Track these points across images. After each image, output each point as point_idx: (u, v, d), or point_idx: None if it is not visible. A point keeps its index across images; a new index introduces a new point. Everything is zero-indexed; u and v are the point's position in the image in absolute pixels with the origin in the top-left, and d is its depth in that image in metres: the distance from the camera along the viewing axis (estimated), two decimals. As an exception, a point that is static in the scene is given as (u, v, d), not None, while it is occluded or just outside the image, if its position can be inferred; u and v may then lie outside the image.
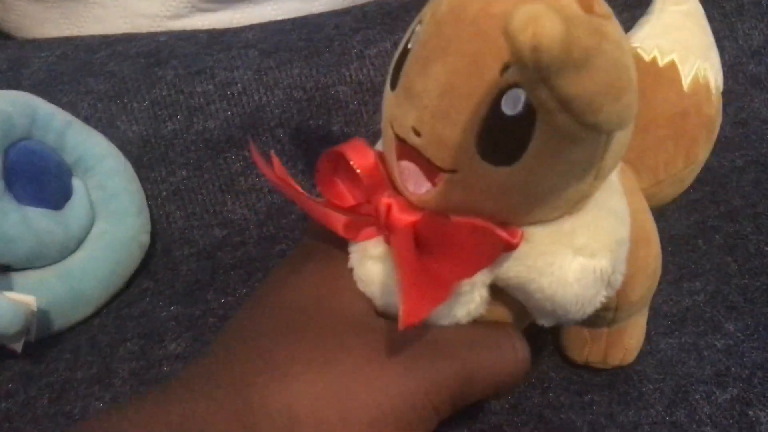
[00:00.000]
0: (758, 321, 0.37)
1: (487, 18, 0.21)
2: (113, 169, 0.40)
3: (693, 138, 0.33)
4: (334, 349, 0.24)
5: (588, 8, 0.21)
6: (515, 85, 0.21)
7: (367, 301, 0.26)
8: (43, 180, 0.37)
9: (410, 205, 0.25)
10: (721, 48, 0.48)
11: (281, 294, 0.26)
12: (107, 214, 0.39)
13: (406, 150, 0.24)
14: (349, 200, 0.27)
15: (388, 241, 0.26)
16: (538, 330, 0.33)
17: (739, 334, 0.37)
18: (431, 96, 0.22)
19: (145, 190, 0.41)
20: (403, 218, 0.25)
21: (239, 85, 0.43)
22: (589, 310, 0.26)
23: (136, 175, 0.41)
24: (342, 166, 0.26)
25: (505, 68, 0.21)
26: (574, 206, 0.25)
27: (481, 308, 0.25)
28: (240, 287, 0.39)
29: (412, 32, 0.24)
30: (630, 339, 0.33)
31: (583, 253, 0.25)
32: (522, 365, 0.26)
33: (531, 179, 0.22)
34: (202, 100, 0.43)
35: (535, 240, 0.24)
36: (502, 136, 0.22)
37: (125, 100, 0.43)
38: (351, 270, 0.27)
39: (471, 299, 0.25)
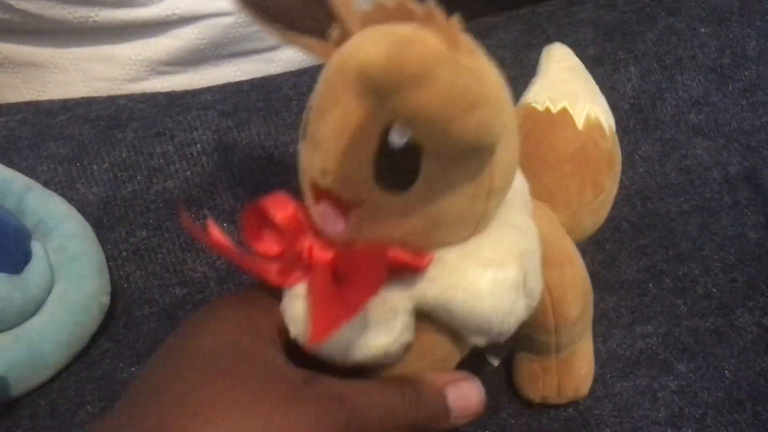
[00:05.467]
0: (708, 361, 0.38)
1: None
2: (73, 231, 0.40)
3: (596, 168, 0.36)
4: (252, 392, 0.25)
5: (453, 46, 0.23)
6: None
7: (281, 352, 0.27)
8: (3, 244, 0.37)
9: (330, 244, 0.27)
10: (662, 99, 0.51)
11: (198, 338, 0.27)
12: (67, 277, 0.39)
13: (321, 193, 0.26)
14: (277, 249, 0.28)
15: None
16: (495, 375, 0.34)
17: (691, 375, 0.37)
18: (330, 139, 0.25)
19: (105, 251, 0.41)
20: (324, 255, 0.27)
21: (198, 145, 0.44)
22: (513, 320, 0.27)
23: (95, 237, 0.41)
24: (267, 218, 0.28)
25: None
26: (476, 227, 0.27)
27: (407, 335, 0.27)
28: (201, 345, 0.39)
29: (314, 91, 0.27)
30: (580, 369, 0.35)
31: (491, 265, 0.27)
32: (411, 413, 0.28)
33: (427, 203, 0.25)
34: (161, 160, 0.43)
35: (445, 261, 0.26)
36: (394, 166, 0.24)
37: (85, 163, 0.43)
38: (271, 315, 0.28)
39: (394, 326, 0.26)
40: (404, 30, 0.23)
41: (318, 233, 0.27)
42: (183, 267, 0.43)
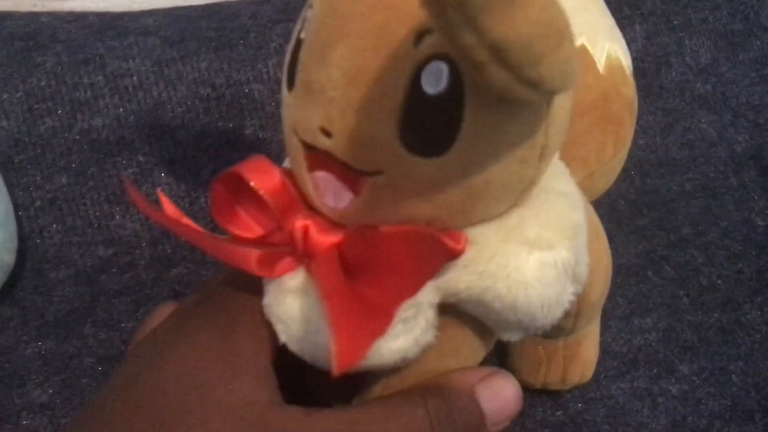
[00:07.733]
0: (714, 363, 0.35)
1: None
2: (-29, 172, 0.33)
3: (619, 120, 0.32)
4: None
5: None
6: (434, 56, 0.19)
7: (269, 388, 0.22)
8: None
9: (331, 224, 0.22)
10: (668, 65, 0.47)
11: (161, 372, 0.22)
12: (-38, 227, 0.32)
13: (318, 158, 0.21)
14: (257, 230, 0.23)
15: (309, 270, 0.22)
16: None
17: (694, 378, 0.35)
18: (337, 86, 0.19)
19: (14, 198, 0.37)
20: (325, 240, 0.21)
21: (135, 77, 0.39)
22: (558, 312, 0.23)
23: (2, 181, 0.36)
24: (243, 190, 0.22)
25: (420, 37, 0.19)
26: (519, 196, 0.22)
27: (429, 334, 0.22)
28: (125, 319, 0.34)
29: (304, 20, 0.21)
30: (587, 351, 0.32)
31: (539, 245, 0.22)
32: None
33: (469, 167, 0.20)
34: (88, 93, 0.39)
35: (481, 241, 0.22)
36: (428, 121, 0.19)
37: (-6, 90, 0.38)
38: (257, 332, 0.23)
39: (416, 324, 0.22)
40: None
41: (311, 208, 0.22)
42: (110, 222, 0.38)
